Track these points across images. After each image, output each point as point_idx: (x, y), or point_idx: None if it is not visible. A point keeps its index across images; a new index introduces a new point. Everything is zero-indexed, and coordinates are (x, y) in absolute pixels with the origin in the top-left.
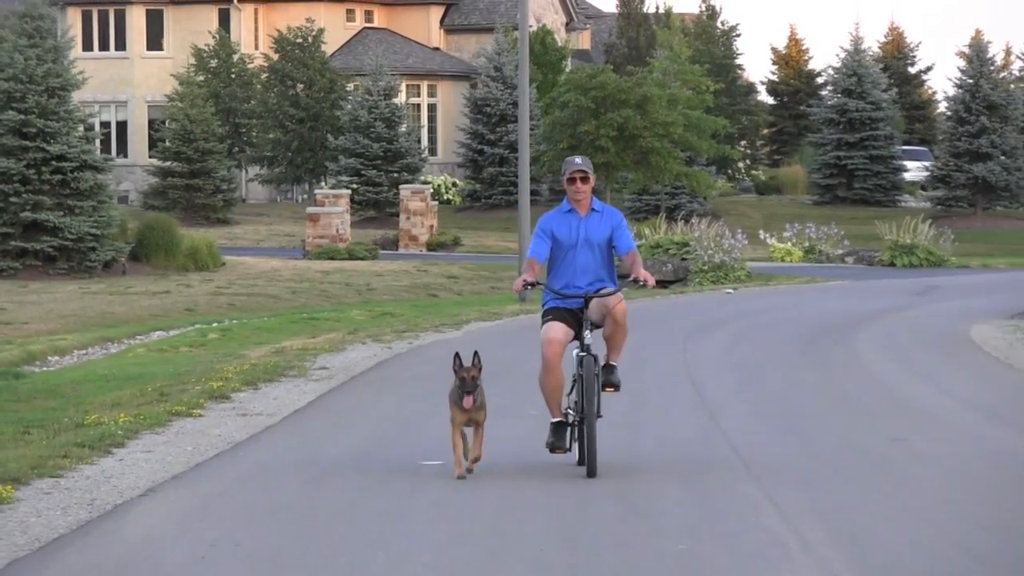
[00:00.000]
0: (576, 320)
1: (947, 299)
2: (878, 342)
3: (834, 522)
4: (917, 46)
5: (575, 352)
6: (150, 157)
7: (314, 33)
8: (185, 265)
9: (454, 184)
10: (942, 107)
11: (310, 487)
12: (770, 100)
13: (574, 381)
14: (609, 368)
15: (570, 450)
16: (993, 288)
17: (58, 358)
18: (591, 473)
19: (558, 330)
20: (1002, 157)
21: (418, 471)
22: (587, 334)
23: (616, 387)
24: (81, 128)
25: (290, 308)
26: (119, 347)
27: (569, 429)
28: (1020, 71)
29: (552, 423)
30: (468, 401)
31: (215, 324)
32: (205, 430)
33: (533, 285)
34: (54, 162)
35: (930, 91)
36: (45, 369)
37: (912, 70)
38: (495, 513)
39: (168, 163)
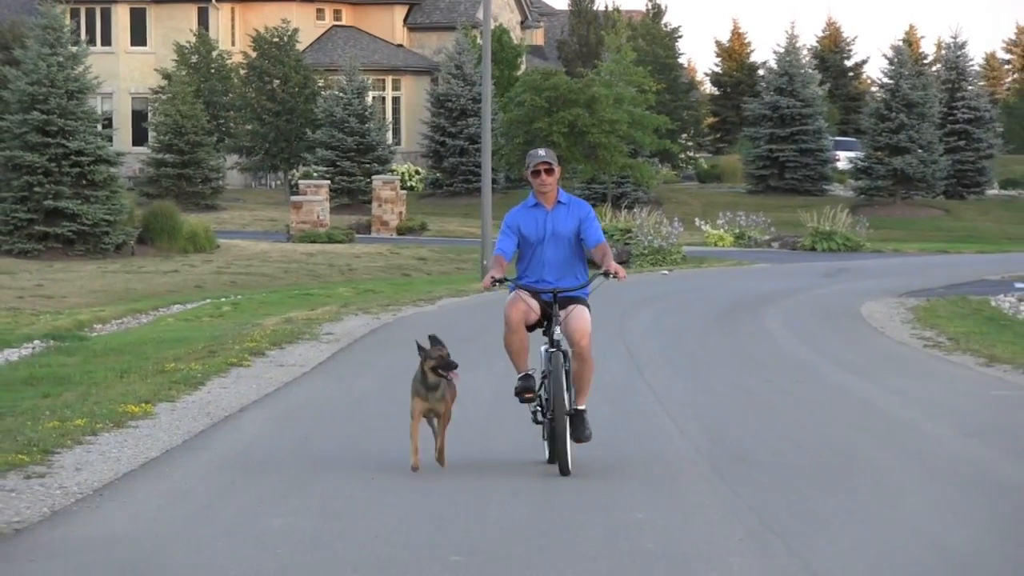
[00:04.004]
0: (545, 307)
1: (852, 280)
2: (782, 315)
3: (704, 422)
4: (853, 40)
5: (543, 348)
6: (135, 145)
7: (289, 33)
8: (185, 248)
9: (417, 172)
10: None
11: (353, 407)
12: (714, 91)
13: (543, 378)
14: (578, 417)
15: (539, 394)
16: (895, 271)
17: (101, 326)
18: (563, 471)
19: (525, 296)
20: (919, 151)
21: None
22: (556, 329)
23: (588, 440)
24: (99, 126)
25: (284, 286)
26: (148, 318)
27: (535, 380)
28: (936, 71)
29: (519, 376)
30: (455, 375)
31: (223, 299)
32: (258, 375)
33: (501, 281)
34: (73, 156)
35: (868, 81)
36: (96, 334)
37: (848, 63)
38: (483, 426)
39: (161, 154)
